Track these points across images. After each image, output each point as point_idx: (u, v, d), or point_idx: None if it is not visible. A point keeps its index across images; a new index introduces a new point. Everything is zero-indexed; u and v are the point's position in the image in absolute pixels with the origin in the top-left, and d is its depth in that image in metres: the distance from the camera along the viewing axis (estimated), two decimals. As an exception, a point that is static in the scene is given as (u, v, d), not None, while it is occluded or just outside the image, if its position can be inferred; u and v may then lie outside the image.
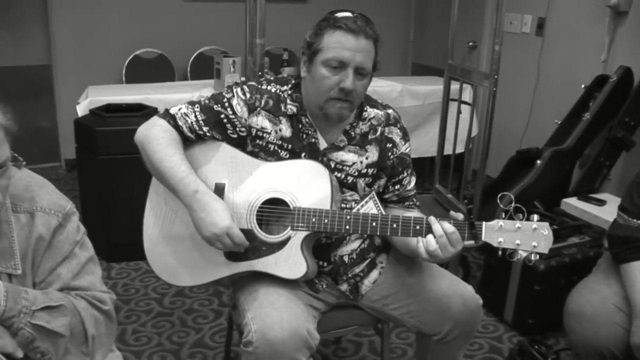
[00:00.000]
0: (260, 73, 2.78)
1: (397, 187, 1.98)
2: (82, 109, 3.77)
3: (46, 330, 1.26)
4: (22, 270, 1.31)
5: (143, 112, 3.47)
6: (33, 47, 5.21)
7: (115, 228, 3.43)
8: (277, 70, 4.38)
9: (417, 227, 1.70)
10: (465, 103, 3.78)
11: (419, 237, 1.70)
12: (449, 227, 1.66)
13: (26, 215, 1.34)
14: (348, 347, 2.75)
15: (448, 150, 3.73)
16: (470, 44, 5.02)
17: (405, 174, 1.98)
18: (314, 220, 1.75)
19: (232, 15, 5.20)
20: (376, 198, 1.86)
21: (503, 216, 1.67)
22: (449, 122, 3.67)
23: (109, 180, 3.41)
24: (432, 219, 1.69)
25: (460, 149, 3.81)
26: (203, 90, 4.01)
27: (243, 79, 3.92)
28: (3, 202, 1.24)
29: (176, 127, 1.86)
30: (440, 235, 1.65)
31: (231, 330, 2.49)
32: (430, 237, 1.67)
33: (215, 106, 1.87)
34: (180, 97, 3.91)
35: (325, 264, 1.93)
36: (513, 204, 1.66)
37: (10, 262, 1.30)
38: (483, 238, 1.67)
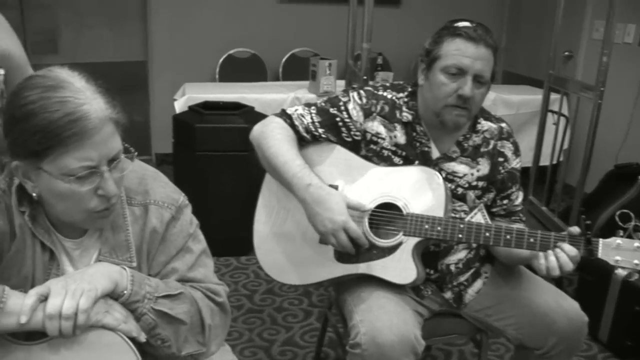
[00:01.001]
0: (365, 77, 2.79)
1: (505, 201, 1.96)
2: (179, 106, 3.88)
3: (168, 317, 1.29)
4: (137, 262, 1.35)
5: (241, 110, 3.54)
6: (130, 44, 5.39)
7: (207, 223, 3.47)
8: (372, 75, 4.39)
9: (531, 239, 1.67)
10: (563, 115, 3.69)
11: (540, 254, 1.66)
12: (570, 249, 1.62)
13: (140, 208, 1.37)
14: (438, 355, 2.74)
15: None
16: (567, 53, 4.90)
17: (514, 189, 1.96)
18: (426, 227, 1.74)
19: (325, 18, 5.27)
20: (484, 210, 1.85)
21: (621, 234, 1.63)
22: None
23: (205, 176, 3.48)
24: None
25: (547, 161, 3.73)
26: (298, 91, 4.07)
27: (338, 81, 3.96)
28: (119, 194, 1.27)
29: (292, 126, 1.90)
30: (562, 257, 1.62)
31: (324, 330, 2.51)
32: (551, 256, 1.64)
33: (331, 109, 1.90)
34: (275, 97, 3.99)
35: (432, 271, 1.92)
36: (633, 222, 1.61)
37: (126, 255, 1.35)
38: (599, 255, 1.63)
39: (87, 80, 1.21)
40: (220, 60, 5.21)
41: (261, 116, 3.58)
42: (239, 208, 3.49)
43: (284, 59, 5.32)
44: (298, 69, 5.10)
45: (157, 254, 1.38)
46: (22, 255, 1.28)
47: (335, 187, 1.85)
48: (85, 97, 1.17)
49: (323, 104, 1.93)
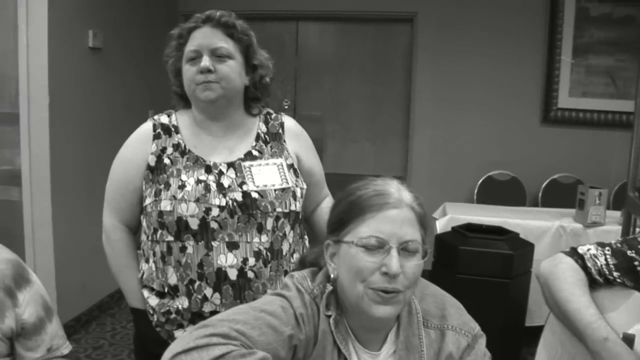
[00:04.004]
0: (654, 215, 2.61)
1: None
2: (441, 225, 3.92)
3: None
4: None
5: (506, 236, 3.47)
6: (391, 159, 5.63)
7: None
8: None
9: None
10: None
11: None
12: None
13: (436, 332, 1.38)
14: None
15: None
16: None
17: None
18: None
19: (590, 143, 5.10)
20: None
21: None
22: None
23: (463, 300, 3.41)
24: None
25: None
26: (563, 219, 3.90)
27: (609, 212, 3.75)
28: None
29: (584, 267, 1.81)
30: None
31: None
32: None
33: (628, 251, 1.78)
34: (538, 224, 3.87)
35: None
36: None
37: None
38: None
39: (403, 183, 1.36)
40: (480, 181, 5.21)
41: (526, 244, 3.52)
42: (494, 337, 3.38)
43: (544, 184, 5.18)
44: (559, 195, 4.94)
45: None
46: None
47: (632, 337, 1.71)
48: (394, 185, 1.33)
49: (619, 245, 1.81)
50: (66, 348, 1.73)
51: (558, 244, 3.76)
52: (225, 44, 1.77)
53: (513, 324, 3.48)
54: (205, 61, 1.74)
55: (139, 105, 4.64)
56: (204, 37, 1.76)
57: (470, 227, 3.63)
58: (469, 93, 5.27)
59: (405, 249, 1.27)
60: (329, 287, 1.36)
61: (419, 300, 1.40)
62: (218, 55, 1.76)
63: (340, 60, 5.67)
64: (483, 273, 3.36)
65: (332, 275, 1.35)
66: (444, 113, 5.32)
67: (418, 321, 1.37)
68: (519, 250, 3.39)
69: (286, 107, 5.72)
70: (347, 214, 1.32)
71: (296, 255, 1.85)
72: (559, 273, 1.80)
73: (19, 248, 3.70)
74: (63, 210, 3.83)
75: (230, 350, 1.14)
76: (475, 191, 5.19)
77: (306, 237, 1.97)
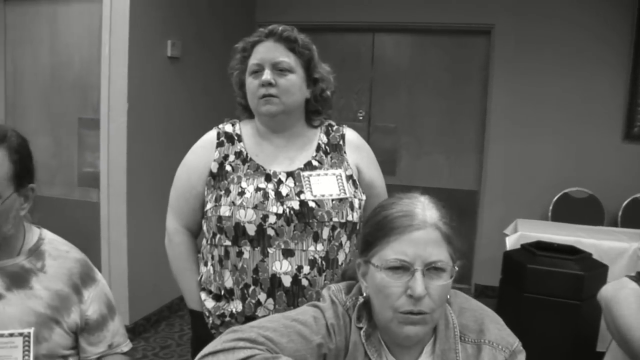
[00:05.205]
0: None
1: None
2: (511, 242, 3.84)
3: None
4: None
5: (577, 256, 3.37)
6: (465, 173, 5.56)
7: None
8: None
9: None
10: None
11: None
12: None
13: (473, 347, 1.36)
14: None
15: None
16: None
17: None
18: None
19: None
20: None
21: None
22: None
23: (529, 319, 3.34)
24: None
25: None
26: (641, 241, 3.75)
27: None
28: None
29: None
30: None
31: None
32: None
33: None
34: (614, 245, 3.73)
35: None
36: None
37: None
38: None
39: (431, 200, 1.35)
40: (555, 198, 5.07)
41: (599, 265, 3.40)
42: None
43: (624, 203, 4.97)
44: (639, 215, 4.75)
45: None
46: None
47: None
48: (420, 204, 1.32)
49: None
50: (126, 346, 1.80)
51: (635, 266, 3.60)
52: (287, 58, 1.80)
53: (584, 348, 3.36)
54: (267, 74, 1.78)
55: (214, 113, 4.74)
56: (267, 51, 1.81)
57: (540, 245, 3.54)
58: (547, 108, 5.15)
59: (430, 270, 1.27)
60: (361, 299, 1.37)
61: (457, 315, 1.40)
62: (279, 69, 1.80)
63: (415, 72, 5.64)
64: (552, 293, 3.27)
65: (364, 294, 1.37)
66: (520, 127, 5.21)
67: (455, 335, 1.37)
68: (590, 272, 3.28)
69: (361, 117, 5.73)
70: (372, 236, 1.33)
71: (353, 266, 1.87)
72: (621, 298, 1.75)
73: (95, 247, 3.86)
74: (137, 213, 3.97)
75: (255, 354, 1.19)
76: (550, 208, 5.06)
77: (364, 248, 1.97)
